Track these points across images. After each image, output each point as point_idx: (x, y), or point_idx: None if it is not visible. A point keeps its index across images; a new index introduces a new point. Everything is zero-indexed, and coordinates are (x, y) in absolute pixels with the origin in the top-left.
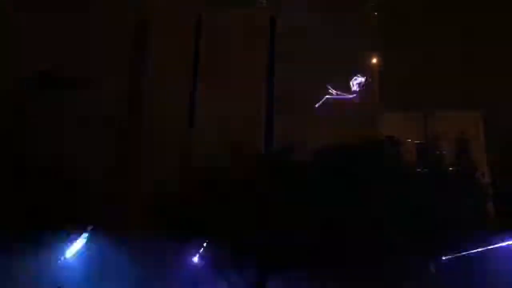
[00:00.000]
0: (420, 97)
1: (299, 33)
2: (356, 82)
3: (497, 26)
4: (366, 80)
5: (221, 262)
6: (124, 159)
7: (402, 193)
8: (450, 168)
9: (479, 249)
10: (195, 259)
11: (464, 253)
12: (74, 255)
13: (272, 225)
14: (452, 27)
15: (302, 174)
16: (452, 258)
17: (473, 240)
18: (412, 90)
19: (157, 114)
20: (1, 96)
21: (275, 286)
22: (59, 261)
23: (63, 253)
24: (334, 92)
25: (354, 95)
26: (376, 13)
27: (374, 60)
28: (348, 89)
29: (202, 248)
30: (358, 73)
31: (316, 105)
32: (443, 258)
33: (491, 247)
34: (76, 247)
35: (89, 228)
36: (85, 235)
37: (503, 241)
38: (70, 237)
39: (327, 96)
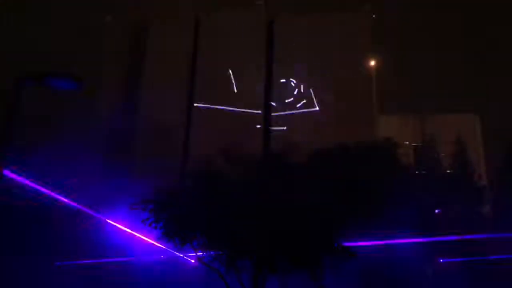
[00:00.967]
0: (418, 99)
1: (297, 34)
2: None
3: (496, 27)
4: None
5: (218, 263)
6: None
7: (401, 194)
8: (447, 170)
9: (478, 252)
10: (193, 260)
11: (462, 256)
12: None
13: (271, 226)
14: (450, 30)
15: (300, 176)
16: (450, 261)
17: (472, 243)
18: (410, 93)
19: (155, 114)
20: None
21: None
22: None
23: None
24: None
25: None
26: (374, 16)
27: (372, 63)
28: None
29: (200, 249)
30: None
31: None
32: (441, 261)
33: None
34: None
35: None
36: None
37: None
38: None
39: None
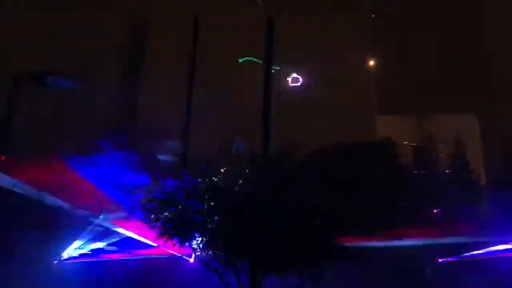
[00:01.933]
0: (416, 99)
1: (296, 34)
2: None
3: (496, 27)
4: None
5: (216, 262)
6: None
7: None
8: (447, 170)
9: (476, 253)
10: (191, 260)
11: (460, 257)
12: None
13: (270, 227)
14: (450, 30)
15: (299, 175)
16: (448, 262)
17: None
18: (408, 92)
19: (153, 114)
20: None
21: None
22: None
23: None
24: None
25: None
26: (373, 15)
27: (371, 63)
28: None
29: (198, 248)
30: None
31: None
32: (439, 261)
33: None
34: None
35: None
36: None
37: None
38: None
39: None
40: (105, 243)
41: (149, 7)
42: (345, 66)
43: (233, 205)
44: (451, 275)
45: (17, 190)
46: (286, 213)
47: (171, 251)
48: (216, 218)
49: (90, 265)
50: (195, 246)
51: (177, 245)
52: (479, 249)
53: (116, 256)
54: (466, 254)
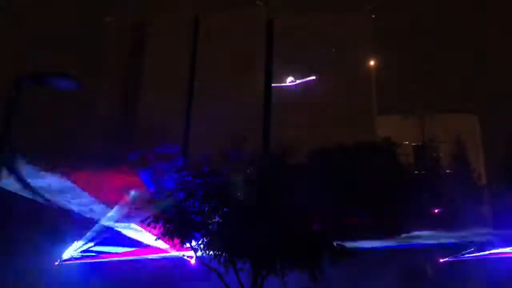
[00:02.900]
0: (417, 99)
1: (296, 35)
2: None
3: (494, 28)
4: None
5: (217, 263)
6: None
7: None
8: (447, 170)
9: (477, 253)
10: (192, 260)
11: (461, 256)
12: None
13: (270, 226)
14: (449, 30)
15: (299, 177)
16: (449, 261)
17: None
18: (409, 93)
19: (153, 113)
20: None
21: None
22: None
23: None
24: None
25: None
26: (373, 16)
27: (372, 63)
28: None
29: (199, 249)
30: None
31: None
32: (440, 260)
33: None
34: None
35: None
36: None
37: (500, 243)
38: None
39: None
40: (104, 245)
41: (149, 8)
42: (345, 67)
43: (234, 206)
44: (452, 274)
45: (23, 195)
46: (286, 214)
47: (172, 252)
48: (217, 218)
49: (90, 265)
50: (195, 247)
51: (178, 246)
52: (479, 249)
53: (116, 257)
54: (466, 254)
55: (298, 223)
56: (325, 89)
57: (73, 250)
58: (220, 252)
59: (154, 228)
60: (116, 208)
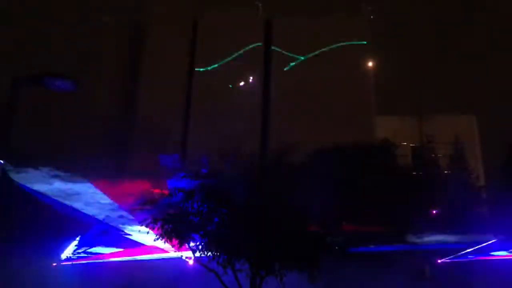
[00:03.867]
0: (415, 100)
1: (295, 36)
2: None
3: (494, 29)
4: None
5: (215, 264)
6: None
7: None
8: (445, 172)
9: (475, 254)
10: (190, 261)
11: (460, 257)
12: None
13: (269, 228)
14: (448, 30)
15: (297, 177)
16: (448, 262)
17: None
18: (408, 93)
19: (152, 115)
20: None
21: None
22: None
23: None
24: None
25: None
26: (372, 17)
27: (370, 63)
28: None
29: (197, 250)
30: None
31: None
32: (439, 261)
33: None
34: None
35: None
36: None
37: (497, 245)
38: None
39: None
40: (103, 245)
41: (149, 8)
42: (344, 67)
43: (232, 206)
44: (450, 275)
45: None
46: (284, 215)
47: (171, 253)
48: (215, 219)
49: (89, 266)
50: (194, 248)
51: (176, 246)
52: (478, 250)
53: (115, 257)
54: (465, 255)
55: (297, 223)
56: (323, 90)
57: (72, 250)
58: (218, 253)
59: (153, 228)
60: (116, 208)
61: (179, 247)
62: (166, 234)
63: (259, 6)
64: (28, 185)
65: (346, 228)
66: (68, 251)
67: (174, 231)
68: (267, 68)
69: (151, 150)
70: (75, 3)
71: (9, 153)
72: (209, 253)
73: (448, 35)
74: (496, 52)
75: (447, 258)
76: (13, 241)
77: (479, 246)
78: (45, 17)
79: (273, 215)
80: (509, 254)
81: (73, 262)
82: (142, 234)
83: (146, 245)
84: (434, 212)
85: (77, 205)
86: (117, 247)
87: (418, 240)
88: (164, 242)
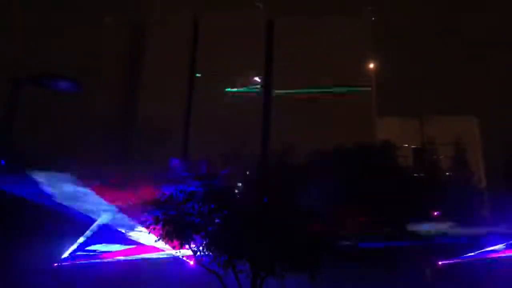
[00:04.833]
0: (417, 102)
1: (296, 37)
2: None
3: (495, 31)
4: None
5: (216, 265)
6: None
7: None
8: (447, 173)
9: (476, 255)
10: (191, 262)
11: (460, 258)
12: None
13: (270, 229)
14: (450, 33)
15: (298, 178)
16: (448, 263)
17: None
18: (409, 95)
19: (153, 115)
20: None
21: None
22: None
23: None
24: None
25: None
26: (373, 19)
27: (372, 65)
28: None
29: (198, 250)
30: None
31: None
32: (440, 263)
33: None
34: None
35: None
36: None
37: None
38: None
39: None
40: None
41: (149, 10)
42: (345, 68)
43: (233, 207)
44: (451, 275)
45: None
46: (285, 216)
47: (172, 253)
48: (216, 220)
49: (90, 265)
50: (195, 248)
51: (177, 247)
52: (478, 250)
53: (116, 257)
54: (466, 254)
55: (297, 224)
56: (325, 91)
57: (73, 250)
58: (219, 254)
59: (154, 229)
60: (116, 208)
61: (180, 248)
62: (167, 235)
63: (260, 7)
64: (44, 187)
65: (347, 229)
66: (69, 251)
67: (175, 232)
68: (268, 68)
69: (152, 150)
70: (76, 3)
71: (10, 153)
72: (210, 254)
73: (449, 37)
74: (497, 54)
75: (448, 257)
76: (13, 241)
77: (480, 245)
78: (46, 18)
79: (273, 216)
80: (507, 248)
81: (74, 262)
82: (143, 234)
83: (147, 246)
84: (436, 213)
85: (81, 206)
86: (118, 247)
87: (419, 240)
88: (165, 242)
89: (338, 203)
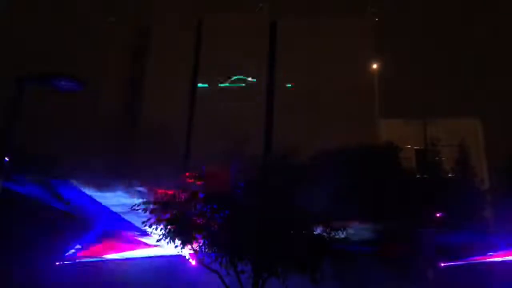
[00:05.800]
0: (420, 103)
1: (299, 37)
2: None
3: (497, 33)
4: None
5: (218, 265)
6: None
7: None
8: (449, 175)
9: (479, 257)
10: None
11: (463, 260)
12: None
13: (272, 229)
14: (454, 34)
15: (300, 179)
16: (451, 265)
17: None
18: (412, 97)
19: (156, 115)
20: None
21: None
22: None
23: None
24: None
25: None
26: (377, 20)
27: (374, 66)
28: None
29: (200, 250)
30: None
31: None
32: (442, 265)
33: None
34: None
35: None
36: None
37: (502, 247)
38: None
39: None
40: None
41: (152, 11)
42: (348, 70)
43: (235, 208)
44: (454, 278)
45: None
46: (287, 217)
47: (173, 253)
48: (218, 220)
49: (90, 265)
50: (196, 248)
51: (179, 247)
52: (481, 253)
53: (117, 257)
54: (469, 257)
55: (299, 225)
56: (327, 92)
57: (74, 250)
58: (221, 254)
59: (156, 229)
60: (117, 209)
61: (182, 248)
62: (169, 235)
63: (262, 8)
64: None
65: (349, 231)
66: (69, 251)
67: (177, 232)
68: (271, 68)
69: (154, 151)
70: (77, 4)
71: (12, 152)
72: (212, 254)
73: (454, 39)
74: (501, 56)
75: (450, 260)
76: (14, 241)
77: (483, 248)
78: (46, 18)
79: (275, 217)
80: (510, 250)
81: (74, 262)
82: (145, 234)
83: (149, 245)
84: (438, 215)
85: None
86: (119, 247)
87: (421, 242)
88: (167, 242)
89: (341, 204)
